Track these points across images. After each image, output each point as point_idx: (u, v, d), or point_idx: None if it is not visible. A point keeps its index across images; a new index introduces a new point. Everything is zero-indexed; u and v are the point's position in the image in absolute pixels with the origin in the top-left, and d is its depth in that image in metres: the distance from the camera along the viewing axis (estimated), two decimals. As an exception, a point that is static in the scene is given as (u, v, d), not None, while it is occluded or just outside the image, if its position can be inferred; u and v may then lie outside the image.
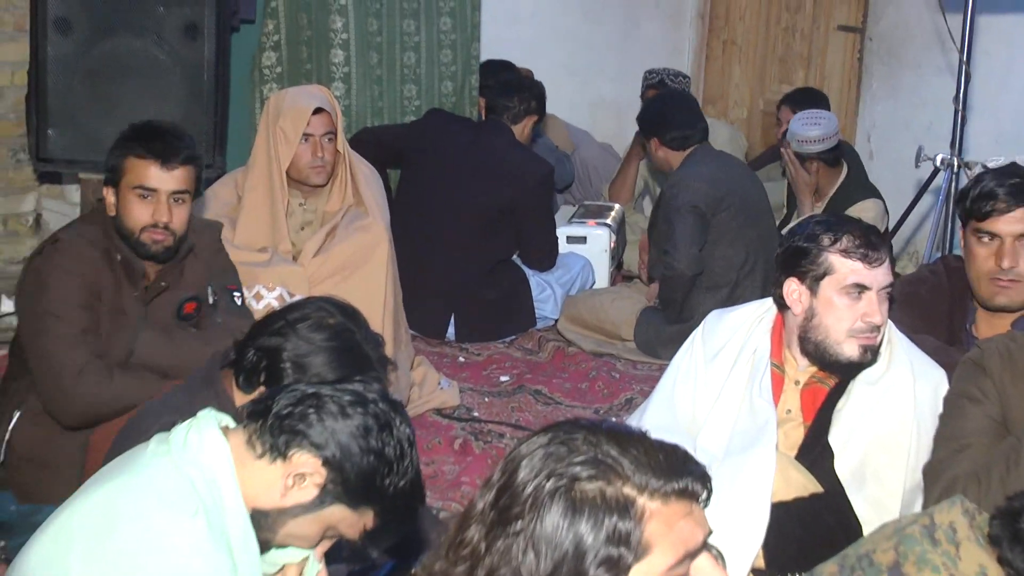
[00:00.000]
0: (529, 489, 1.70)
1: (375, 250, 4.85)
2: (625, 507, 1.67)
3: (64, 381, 3.78)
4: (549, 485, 1.69)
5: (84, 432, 3.84)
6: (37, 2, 5.23)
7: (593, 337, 6.02)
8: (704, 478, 1.74)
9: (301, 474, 2.33)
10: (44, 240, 4.12)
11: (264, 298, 4.66)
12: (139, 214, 3.88)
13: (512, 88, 6.49)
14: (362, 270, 4.82)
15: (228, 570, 2.27)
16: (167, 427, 2.47)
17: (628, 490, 1.69)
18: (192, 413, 2.47)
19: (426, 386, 5.15)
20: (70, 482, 3.73)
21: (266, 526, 2.35)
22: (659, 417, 3.51)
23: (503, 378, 5.59)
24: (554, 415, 5.16)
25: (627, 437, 1.74)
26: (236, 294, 4.23)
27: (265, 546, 2.37)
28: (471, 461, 4.67)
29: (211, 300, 4.15)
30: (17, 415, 3.97)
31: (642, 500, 1.69)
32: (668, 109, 6.17)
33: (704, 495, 1.74)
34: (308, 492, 2.34)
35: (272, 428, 2.34)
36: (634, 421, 3.64)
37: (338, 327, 3.00)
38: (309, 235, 4.97)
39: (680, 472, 1.72)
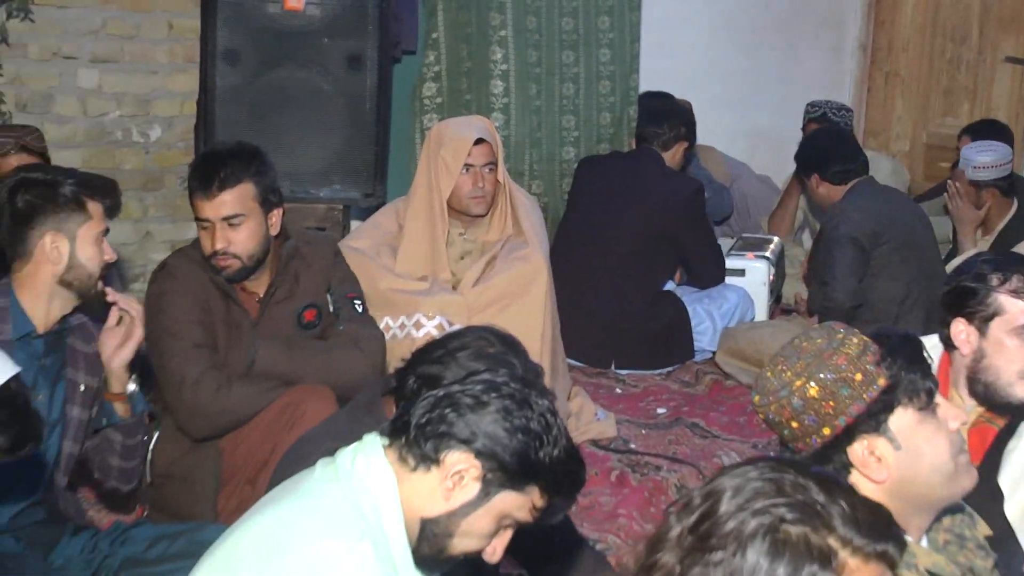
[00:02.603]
0: (733, 523, 1.66)
1: (534, 280, 4.85)
2: (827, 558, 1.63)
3: (184, 394, 3.89)
4: (754, 522, 1.65)
5: (215, 445, 3.95)
6: (207, 34, 5.37)
7: (752, 370, 5.91)
8: (903, 546, 1.70)
9: (458, 473, 2.33)
10: (155, 268, 4.26)
11: (424, 326, 4.68)
12: (204, 243, 4.00)
13: (661, 115, 6.45)
14: (521, 300, 4.82)
15: (394, 595, 2.27)
16: (329, 453, 2.48)
17: (832, 541, 1.64)
18: (353, 439, 2.48)
19: (583, 417, 5.11)
20: (208, 495, 3.89)
21: (441, 532, 2.34)
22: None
23: (660, 410, 5.52)
24: (711, 449, 5.07)
25: (835, 486, 1.70)
26: (357, 302, 4.27)
27: (443, 552, 2.36)
28: (627, 493, 4.61)
29: (332, 308, 4.22)
30: (156, 435, 4.09)
31: (844, 554, 1.64)
32: (826, 144, 6.12)
33: (898, 564, 1.70)
34: (471, 488, 2.33)
35: (417, 439, 2.34)
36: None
37: (497, 356, 2.98)
38: (468, 265, 4.99)
39: (885, 534, 1.68)
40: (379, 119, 5.48)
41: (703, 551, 1.67)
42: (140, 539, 3.56)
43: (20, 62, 6.00)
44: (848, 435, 2.43)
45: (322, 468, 2.41)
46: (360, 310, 4.26)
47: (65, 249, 3.52)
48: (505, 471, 2.33)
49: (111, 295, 3.70)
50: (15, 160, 4.72)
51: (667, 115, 6.46)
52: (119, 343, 3.66)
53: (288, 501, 2.35)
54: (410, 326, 4.66)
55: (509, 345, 3.04)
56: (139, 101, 6.33)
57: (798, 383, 2.44)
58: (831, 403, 2.42)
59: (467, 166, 4.92)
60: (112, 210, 3.67)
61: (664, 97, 7.30)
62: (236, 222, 3.95)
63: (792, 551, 1.63)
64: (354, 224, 5.71)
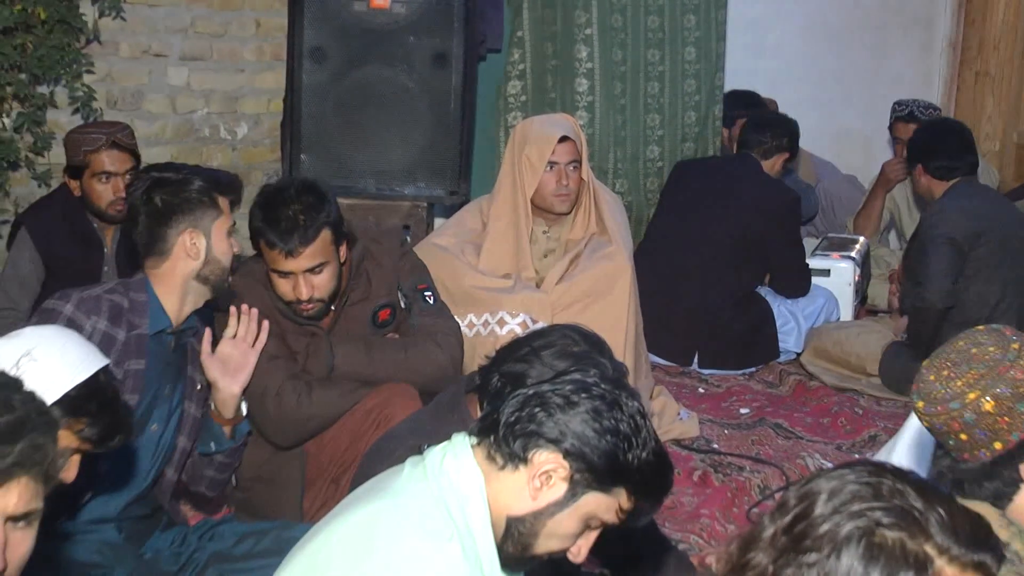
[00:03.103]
0: (828, 525, 1.65)
1: (618, 279, 4.84)
2: (923, 565, 1.61)
3: (267, 406, 3.89)
4: (850, 525, 1.63)
5: (300, 448, 3.98)
6: (293, 32, 5.40)
7: (836, 371, 5.87)
8: (1001, 558, 1.67)
9: (546, 473, 2.31)
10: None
11: (507, 324, 4.68)
12: (283, 290, 3.95)
13: (766, 124, 6.45)
14: (605, 298, 4.81)
15: (482, 595, 2.27)
16: (413, 450, 2.48)
17: (929, 549, 1.62)
18: (437, 437, 2.48)
19: (665, 416, 5.09)
20: (294, 497, 3.91)
21: (526, 531, 2.33)
22: (910, 458, 3.38)
23: (743, 410, 5.49)
24: (795, 450, 5.03)
25: (933, 494, 1.68)
26: (427, 293, 4.24)
27: (528, 551, 2.35)
28: (710, 493, 4.59)
29: (403, 304, 4.20)
30: None
31: (940, 563, 1.62)
32: (938, 137, 5.99)
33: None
34: (558, 488, 2.32)
35: (505, 437, 2.33)
36: (880, 459, 3.51)
37: (582, 355, 2.97)
38: (552, 263, 4.98)
39: (983, 545, 1.65)
40: (464, 117, 5.48)
41: (797, 552, 1.65)
42: (228, 535, 3.60)
43: (111, 60, 6.08)
44: (1020, 450, 2.38)
45: (411, 467, 2.40)
46: (431, 301, 4.24)
47: (202, 245, 3.57)
48: (593, 472, 2.31)
49: (245, 309, 3.80)
50: (106, 156, 4.80)
51: (772, 125, 6.46)
52: (233, 368, 3.74)
53: (377, 500, 2.34)
54: (493, 323, 4.67)
55: (594, 344, 3.03)
56: (227, 99, 6.41)
57: (971, 396, 2.38)
58: (1006, 419, 2.37)
59: (551, 164, 4.92)
60: (236, 204, 3.73)
61: (750, 96, 7.27)
62: (318, 271, 3.92)
63: (887, 556, 1.61)
64: (438, 222, 5.72)
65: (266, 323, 3.85)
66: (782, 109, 7.41)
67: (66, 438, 2.73)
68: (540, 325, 4.56)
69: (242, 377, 3.75)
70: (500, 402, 2.53)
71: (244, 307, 3.81)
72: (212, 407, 3.78)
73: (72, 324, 3.30)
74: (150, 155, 5.24)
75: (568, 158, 4.93)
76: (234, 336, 3.79)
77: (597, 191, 5.07)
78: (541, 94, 6.40)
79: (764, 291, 6.17)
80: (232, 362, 3.75)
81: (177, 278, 3.58)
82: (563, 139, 4.93)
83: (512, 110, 6.35)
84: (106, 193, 4.81)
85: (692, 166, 6.41)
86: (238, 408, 3.80)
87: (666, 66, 6.68)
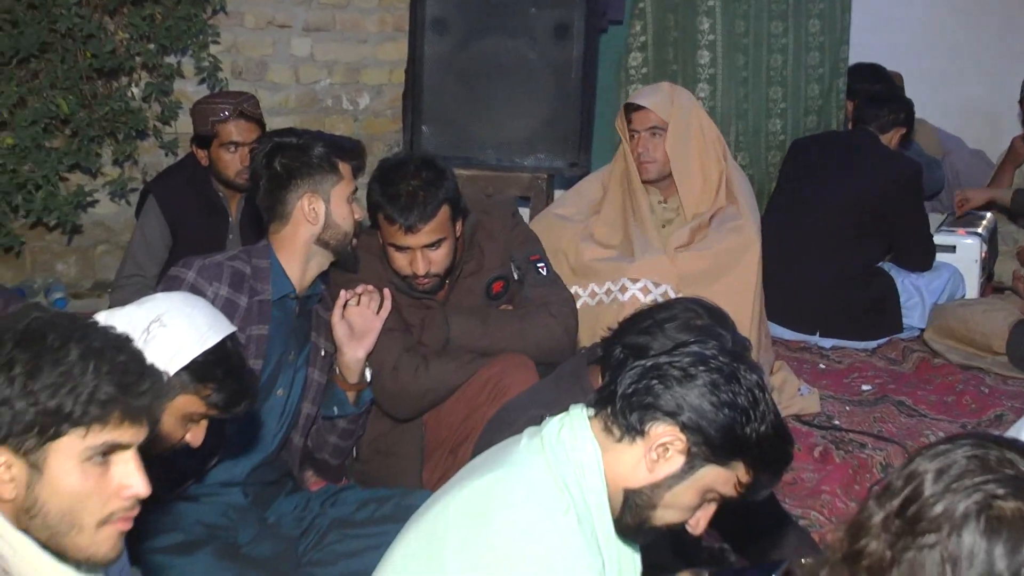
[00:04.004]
0: (942, 504, 1.62)
1: (746, 253, 4.81)
2: None
3: (384, 380, 3.90)
4: (965, 502, 1.61)
5: (418, 419, 3.99)
6: (416, 3, 5.42)
7: (961, 349, 5.76)
8: None
9: (663, 445, 2.30)
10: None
11: (629, 290, 4.66)
12: (399, 264, 3.94)
13: (882, 99, 6.37)
14: (732, 272, 4.77)
15: (598, 567, 2.27)
16: (534, 421, 2.49)
17: None
18: (558, 408, 2.47)
19: (786, 392, 5.04)
20: (413, 468, 3.93)
21: (644, 503, 2.33)
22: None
23: (865, 387, 5.41)
24: (918, 428, 4.95)
25: None
26: (540, 264, 4.22)
27: (646, 524, 2.35)
28: (831, 470, 4.53)
29: (516, 275, 4.18)
30: None
31: None
32: None
33: None
34: (675, 461, 2.31)
35: (623, 409, 2.33)
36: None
37: (705, 328, 2.95)
38: (670, 233, 4.94)
39: None
40: (584, 89, 5.47)
41: (914, 535, 1.63)
42: (350, 501, 3.63)
43: (236, 30, 6.17)
44: None
45: (528, 438, 2.41)
46: (544, 272, 4.22)
47: (321, 209, 3.60)
48: (710, 445, 2.30)
49: (362, 286, 3.84)
50: (233, 126, 4.87)
51: (889, 99, 6.39)
52: (358, 333, 3.79)
53: (495, 471, 2.35)
54: (616, 291, 4.66)
55: (717, 318, 3.01)
56: (349, 69, 6.47)
57: None
58: None
59: (632, 132, 4.92)
60: (359, 170, 3.75)
61: (875, 69, 7.15)
62: (436, 246, 3.91)
63: (1009, 528, 1.58)
64: (558, 193, 5.71)
65: (388, 292, 3.88)
66: (907, 82, 7.28)
67: (193, 403, 2.79)
68: (662, 288, 4.57)
69: (366, 342, 3.80)
70: (620, 373, 2.53)
71: (362, 287, 3.85)
72: (337, 372, 3.82)
73: (194, 290, 3.35)
74: (274, 125, 5.27)
75: (644, 125, 4.92)
76: (359, 302, 3.82)
77: (728, 163, 5.03)
78: (662, 66, 6.35)
79: (888, 266, 6.08)
80: (356, 327, 3.79)
81: (298, 243, 3.62)
82: (637, 108, 4.92)
83: (633, 82, 6.31)
84: (233, 162, 4.89)
85: (810, 141, 6.33)
86: (362, 374, 3.84)
87: (790, 38, 6.59)
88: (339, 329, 3.77)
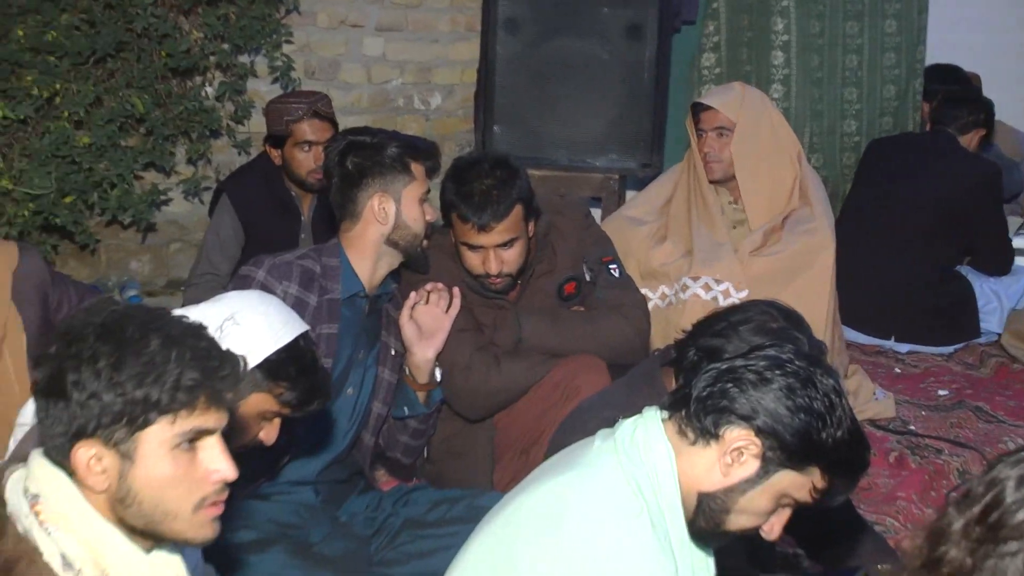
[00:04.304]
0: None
1: (819, 255, 4.76)
2: None
3: (456, 380, 3.89)
4: None
5: (489, 420, 3.99)
6: (488, 3, 5.42)
7: (1041, 354, 5.69)
8: None
9: (738, 449, 2.29)
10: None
11: (689, 288, 4.65)
12: (472, 264, 3.93)
13: (961, 100, 6.30)
14: (806, 273, 4.73)
15: (671, 571, 2.26)
16: (607, 422, 2.48)
17: None
18: (631, 410, 2.46)
19: (860, 396, 5.00)
20: (484, 469, 3.93)
21: (718, 508, 2.32)
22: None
23: (941, 392, 5.35)
24: (996, 434, 4.89)
25: None
26: (612, 266, 4.19)
27: (720, 527, 2.33)
28: (906, 475, 4.49)
29: (588, 277, 4.16)
30: None
31: None
32: None
33: None
34: (750, 465, 2.30)
35: (697, 412, 2.32)
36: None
37: (781, 332, 2.93)
38: (744, 233, 4.91)
39: None
40: (657, 89, 5.46)
41: (995, 542, 1.62)
42: (421, 502, 3.64)
43: (309, 30, 6.19)
44: None
45: (601, 440, 2.40)
46: (616, 274, 4.20)
47: (391, 209, 3.61)
48: (785, 450, 2.28)
49: (431, 284, 3.83)
50: (307, 126, 4.90)
51: (968, 100, 6.32)
52: (428, 332, 3.79)
53: (567, 472, 2.35)
54: (679, 291, 4.65)
55: (793, 321, 2.98)
56: (421, 69, 6.48)
57: None
58: None
59: (700, 131, 4.91)
60: (432, 171, 3.74)
61: (952, 70, 7.08)
62: (509, 246, 3.91)
63: None
64: (629, 194, 5.69)
65: (457, 290, 3.88)
66: (985, 84, 7.19)
67: (267, 401, 2.79)
68: (723, 286, 4.55)
69: (436, 343, 3.79)
70: (694, 376, 2.51)
71: (431, 285, 3.84)
72: (407, 372, 3.82)
73: (264, 289, 3.36)
74: (346, 124, 5.27)
75: (710, 124, 4.90)
76: (427, 302, 3.82)
77: (803, 165, 4.99)
78: (735, 66, 6.31)
79: (966, 270, 6.01)
80: (425, 327, 3.79)
81: (368, 242, 3.63)
82: (705, 108, 4.90)
83: (706, 82, 6.28)
84: (307, 161, 4.92)
85: (888, 142, 6.27)
86: (432, 374, 3.84)
87: (865, 38, 6.52)
88: (408, 329, 3.77)
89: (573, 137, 5.47)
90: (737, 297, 4.55)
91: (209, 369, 1.95)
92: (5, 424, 2.88)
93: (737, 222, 4.99)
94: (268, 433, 2.84)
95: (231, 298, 2.86)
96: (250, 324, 2.76)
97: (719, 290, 4.62)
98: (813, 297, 4.64)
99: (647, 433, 2.35)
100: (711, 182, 4.94)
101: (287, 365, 2.80)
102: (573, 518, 2.25)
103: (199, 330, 2.01)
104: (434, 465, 4.11)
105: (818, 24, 6.39)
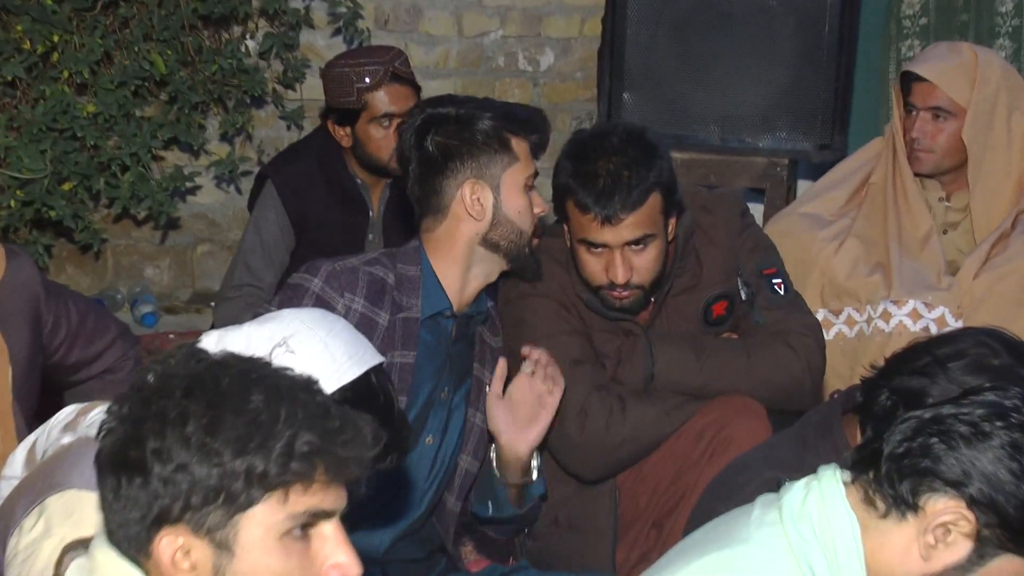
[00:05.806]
0: None
1: None
2: None
3: (567, 428, 3.84)
4: None
5: (611, 483, 3.97)
6: (619, -65, 5.43)
7: None
8: None
9: (943, 525, 2.30)
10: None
11: (894, 317, 4.61)
12: (591, 270, 3.87)
13: None
14: None
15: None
16: (770, 486, 2.51)
17: None
18: (802, 469, 2.49)
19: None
20: (604, 545, 3.92)
21: None
22: None
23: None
24: None
25: None
26: (776, 280, 4.12)
27: None
28: None
29: (743, 294, 4.12)
30: None
31: None
32: None
33: None
34: (959, 547, 2.31)
35: (890, 475, 2.32)
36: None
37: (1002, 370, 2.92)
38: (955, 240, 4.88)
39: None
40: (841, 47, 5.43)
41: None
42: None
43: (383, -35, 6.24)
44: None
45: (762, 509, 2.43)
46: (782, 291, 4.13)
47: (488, 200, 3.59)
48: (1008, 528, 2.28)
49: (527, 349, 3.70)
50: (385, 93, 4.85)
51: None
52: (523, 418, 3.67)
53: (718, 551, 2.38)
54: (877, 318, 4.61)
55: (1020, 356, 2.96)
56: (528, 18, 6.48)
57: None
58: None
59: (908, 106, 4.84)
60: (540, 149, 3.72)
61: None
62: (641, 246, 3.84)
63: None
64: (802, 185, 5.70)
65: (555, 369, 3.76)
66: None
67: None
68: (937, 312, 4.51)
69: (532, 436, 3.68)
70: (887, 427, 2.52)
71: (529, 349, 3.73)
72: (493, 460, 3.74)
73: (320, 303, 3.39)
74: (429, 92, 5.26)
75: (923, 102, 4.82)
76: (532, 373, 3.71)
77: None
78: (947, 15, 6.28)
79: None
80: (522, 412, 3.69)
81: (458, 244, 3.62)
82: (917, 78, 4.82)
83: (907, 37, 6.26)
84: (387, 142, 4.77)
85: None
86: (528, 469, 3.74)
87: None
88: (497, 411, 3.66)
89: (728, 111, 5.47)
90: (954, 327, 4.44)
91: (329, 432, 1.94)
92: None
93: (949, 225, 4.93)
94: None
95: (283, 318, 2.82)
96: (307, 353, 2.72)
97: (931, 318, 4.56)
98: (1050, 325, 4.59)
99: (824, 501, 2.37)
100: (916, 175, 4.91)
101: (354, 408, 2.82)
102: (728, 610, 2.27)
103: (310, 384, 2.01)
104: (539, 540, 4.08)
105: (1061, -41, 6.37)
